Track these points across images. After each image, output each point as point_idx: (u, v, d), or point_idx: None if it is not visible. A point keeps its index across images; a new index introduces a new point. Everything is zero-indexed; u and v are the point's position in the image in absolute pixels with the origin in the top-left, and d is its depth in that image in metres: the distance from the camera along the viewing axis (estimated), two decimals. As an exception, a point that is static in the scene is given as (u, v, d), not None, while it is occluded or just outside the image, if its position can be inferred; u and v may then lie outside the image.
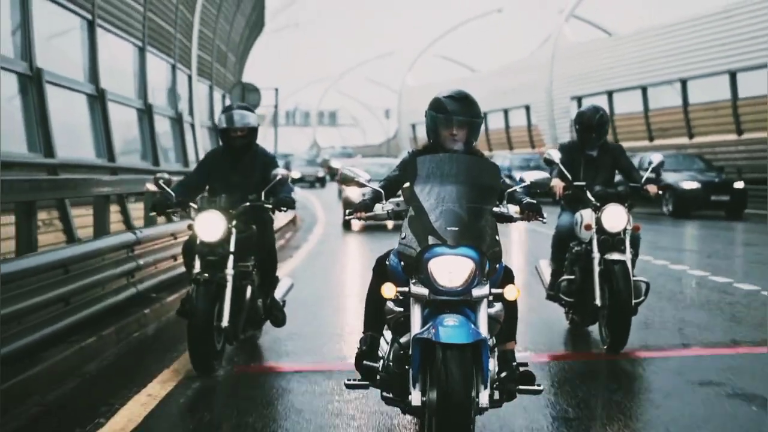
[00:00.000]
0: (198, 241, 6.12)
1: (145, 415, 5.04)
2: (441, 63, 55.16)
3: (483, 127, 4.72)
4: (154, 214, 6.53)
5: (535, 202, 4.46)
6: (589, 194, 6.77)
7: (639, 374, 6.21)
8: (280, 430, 4.80)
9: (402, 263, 4.17)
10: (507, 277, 4.30)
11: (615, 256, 6.53)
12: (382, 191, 4.46)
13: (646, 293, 6.78)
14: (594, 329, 6.99)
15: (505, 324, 4.26)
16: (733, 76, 25.08)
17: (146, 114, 14.53)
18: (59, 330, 6.18)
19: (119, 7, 13.06)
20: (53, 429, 4.82)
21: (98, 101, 12.04)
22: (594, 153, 7.06)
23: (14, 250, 7.11)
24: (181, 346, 6.48)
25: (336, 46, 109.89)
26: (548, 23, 38.69)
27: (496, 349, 4.33)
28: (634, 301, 6.49)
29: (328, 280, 11.40)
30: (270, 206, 6.39)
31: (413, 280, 4.07)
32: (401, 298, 4.13)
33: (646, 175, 6.84)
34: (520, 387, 4.30)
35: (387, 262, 4.36)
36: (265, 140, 36.72)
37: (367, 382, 4.43)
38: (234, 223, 6.14)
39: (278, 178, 6.32)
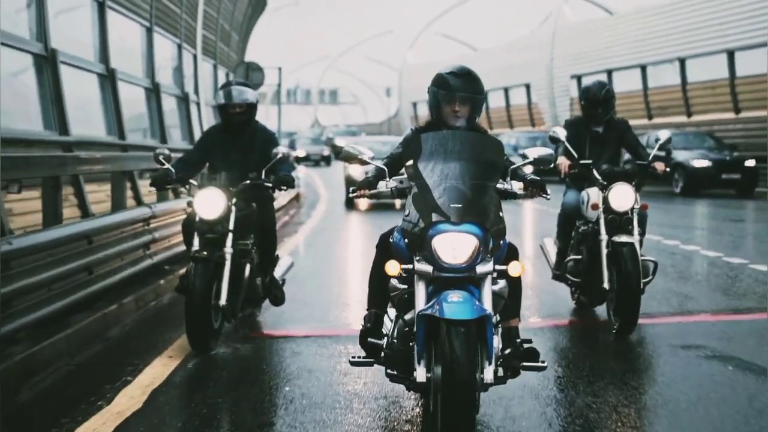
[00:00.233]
0: (197, 219, 6.08)
1: (168, 373, 5.48)
2: (442, 41, 55.30)
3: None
4: (153, 189, 6.51)
5: (538, 178, 4.44)
6: (595, 173, 6.67)
7: (626, 338, 6.61)
8: (293, 387, 5.23)
9: (406, 240, 4.16)
10: (511, 253, 4.31)
11: (623, 238, 6.41)
12: (386, 169, 4.44)
13: (654, 272, 6.67)
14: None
15: (509, 301, 4.28)
16: (731, 55, 25.30)
17: (154, 93, 14.90)
18: (84, 297, 6.60)
19: (129, -12, 13.39)
20: (85, 385, 5.24)
21: (108, 81, 12.42)
22: (600, 129, 6.97)
23: (41, 223, 7.53)
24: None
25: (337, 23, 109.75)
26: (549, 2, 38.86)
27: (500, 326, 4.36)
28: (642, 282, 6.39)
29: (332, 255, 11.83)
30: (270, 185, 6.34)
31: (417, 257, 4.07)
32: (405, 275, 4.14)
33: (653, 152, 6.73)
34: (524, 364, 4.32)
35: (391, 240, 4.39)
36: (268, 118, 36.96)
37: (372, 360, 4.44)
38: (234, 201, 6.09)
39: (279, 156, 6.26)
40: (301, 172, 28.10)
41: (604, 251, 6.50)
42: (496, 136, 4.58)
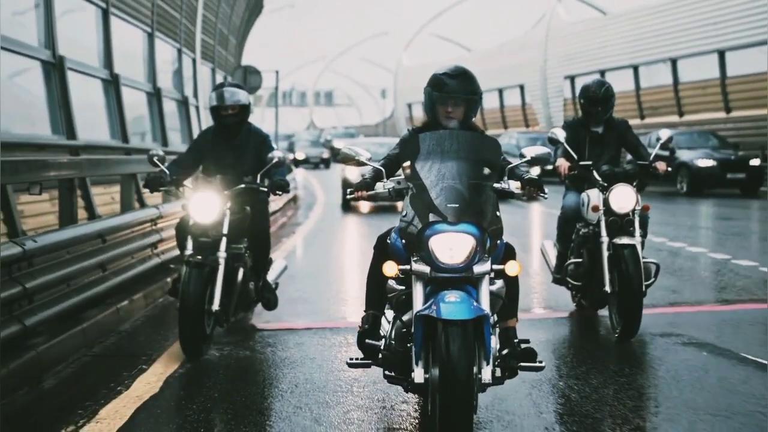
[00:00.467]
0: (191, 222, 6.03)
1: (180, 362, 5.87)
2: (437, 42, 55.69)
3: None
4: (146, 191, 6.44)
5: (536, 177, 4.41)
6: (595, 174, 6.58)
7: (609, 327, 6.98)
8: (297, 374, 5.61)
9: (403, 241, 4.16)
10: (508, 253, 4.29)
11: (624, 240, 6.31)
12: (383, 170, 4.43)
13: (656, 275, 6.63)
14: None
15: (507, 301, 4.25)
16: (722, 55, 25.70)
17: (155, 97, 15.29)
18: (98, 293, 6.98)
19: (131, -5, 13.80)
20: (104, 373, 5.64)
21: (112, 86, 12.81)
22: (599, 129, 6.87)
23: (50, 224, 7.92)
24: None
25: (331, 25, 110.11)
26: (542, 2, 39.24)
27: (497, 327, 4.35)
28: (644, 284, 6.29)
29: (329, 254, 12.23)
30: (265, 189, 6.31)
31: (414, 258, 4.05)
32: (402, 276, 4.11)
33: (654, 151, 6.66)
34: (522, 364, 4.31)
35: (388, 240, 4.37)
36: (264, 121, 37.02)
37: (370, 361, 4.45)
38: (228, 204, 6.06)
39: (274, 161, 6.24)
40: (298, 175, 28.43)
41: (605, 253, 6.41)
42: (494, 137, 4.58)
